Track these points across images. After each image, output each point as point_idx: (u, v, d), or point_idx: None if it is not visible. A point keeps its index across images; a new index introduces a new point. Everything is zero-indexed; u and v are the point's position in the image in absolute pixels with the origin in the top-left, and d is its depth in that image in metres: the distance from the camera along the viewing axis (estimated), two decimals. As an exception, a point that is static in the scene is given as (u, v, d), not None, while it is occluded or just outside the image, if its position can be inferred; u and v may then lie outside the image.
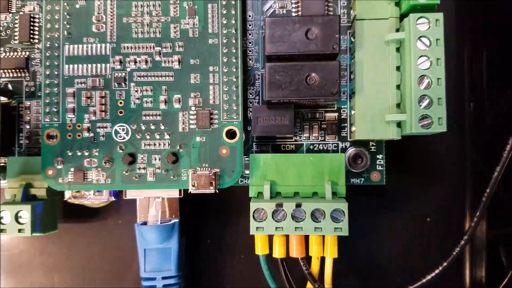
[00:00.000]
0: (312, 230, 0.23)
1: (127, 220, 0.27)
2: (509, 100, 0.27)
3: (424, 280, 0.23)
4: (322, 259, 0.24)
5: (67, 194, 0.24)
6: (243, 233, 0.27)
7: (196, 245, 0.27)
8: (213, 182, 0.23)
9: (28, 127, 0.26)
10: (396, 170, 0.27)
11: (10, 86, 0.27)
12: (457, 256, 0.23)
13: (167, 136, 0.23)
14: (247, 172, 0.25)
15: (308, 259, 0.24)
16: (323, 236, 0.24)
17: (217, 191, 0.23)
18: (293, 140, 0.26)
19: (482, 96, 0.27)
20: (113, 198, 0.24)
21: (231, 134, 0.23)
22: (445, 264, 0.23)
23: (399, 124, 0.23)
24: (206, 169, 0.23)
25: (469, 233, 0.23)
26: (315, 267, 0.24)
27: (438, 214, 0.27)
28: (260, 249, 0.24)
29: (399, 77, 0.23)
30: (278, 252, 0.24)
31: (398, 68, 0.23)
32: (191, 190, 0.23)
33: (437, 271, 0.23)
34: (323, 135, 0.26)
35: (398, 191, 0.27)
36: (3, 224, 0.23)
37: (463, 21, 0.27)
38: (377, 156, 0.25)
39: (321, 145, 0.26)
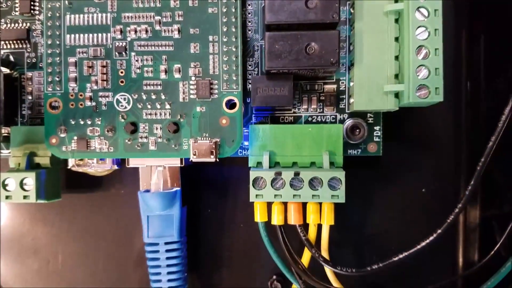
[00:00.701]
0: (310, 198, 0.23)
1: (130, 190, 0.27)
2: (505, 79, 0.27)
3: (418, 247, 0.24)
4: (319, 227, 0.25)
5: (71, 163, 0.24)
6: (242, 203, 0.28)
7: (197, 214, 0.28)
8: (214, 151, 0.23)
9: (30, 98, 0.27)
10: (392, 141, 0.27)
11: (11, 57, 0.27)
12: (451, 223, 0.24)
13: (167, 106, 0.23)
14: (246, 143, 0.26)
15: (305, 226, 0.25)
16: (320, 204, 0.25)
17: (218, 160, 0.23)
18: (292, 112, 0.26)
19: (479, 75, 0.28)
20: (116, 167, 0.25)
21: (230, 105, 0.24)
22: (439, 231, 0.24)
23: (397, 95, 0.24)
24: (207, 138, 0.23)
25: (463, 202, 0.24)
26: (312, 234, 0.25)
27: (433, 185, 0.28)
28: (259, 216, 0.25)
29: (397, 48, 0.23)
30: (277, 220, 0.25)
31: (396, 39, 0.23)
32: (192, 158, 0.23)
33: (431, 238, 0.24)
34: (321, 107, 0.26)
35: (394, 162, 0.27)
36: (8, 191, 0.24)
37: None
38: (375, 128, 0.26)
39: (319, 117, 0.26)
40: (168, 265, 0.25)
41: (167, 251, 0.25)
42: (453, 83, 0.27)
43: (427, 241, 0.24)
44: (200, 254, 0.28)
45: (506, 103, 0.23)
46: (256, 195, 0.23)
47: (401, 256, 0.24)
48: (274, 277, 0.28)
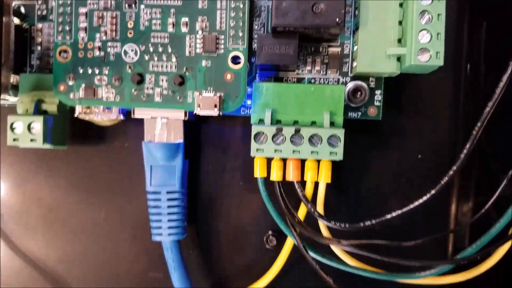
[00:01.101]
0: (309, 154, 0.24)
1: (133, 143, 0.28)
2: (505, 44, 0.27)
3: (411, 206, 0.25)
4: (316, 186, 0.26)
5: (78, 110, 0.25)
6: (242, 163, 0.29)
7: (197, 170, 0.28)
8: (217, 105, 0.24)
9: (39, 48, 0.27)
10: (392, 108, 0.28)
11: (22, 9, 0.27)
12: (445, 185, 0.25)
13: (174, 59, 0.24)
14: (249, 102, 0.26)
15: (303, 184, 0.26)
16: (318, 163, 0.26)
17: (221, 114, 0.24)
18: (295, 73, 0.27)
19: (479, 45, 0.28)
20: (121, 117, 0.25)
21: (235, 62, 0.24)
22: (433, 191, 0.24)
23: (399, 59, 0.24)
24: (211, 92, 0.24)
25: (458, 164, 0.24)
26: (309, 191, 0.26)
27: (429, 152, 0.28)
28: (259, 172, 0.26)
29: (401, 13, 0.24)
30: (276, 176, 0.26)
31: (401, 5, 0.24)
32: (196, 111, 0.24)
33: (424, 198, 0.25)
34: (325, 69, 0.26)
35: (392, 128, 0.28)
36: (15, 134, 0.25)
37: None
38: (376, 92, 0.26)
39: (322, 79, 0.26)
40: (168, 213, 0.26)
41: (169, 200, 0.26)
42: (453, 50, 0.27)
43: (420, 201, 0.25)
44: (199, 209, 0.29)
45: (505, 70, 0.23)
46: (257, 150, 0.24)
47: (394, 214, 0.25)
48: (270, 232, 0.29)
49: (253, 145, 0.24)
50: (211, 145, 0.29)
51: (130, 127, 0.28)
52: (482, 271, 0.26)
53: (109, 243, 0.29)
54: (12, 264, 0.30)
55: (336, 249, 0.26)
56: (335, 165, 0.26)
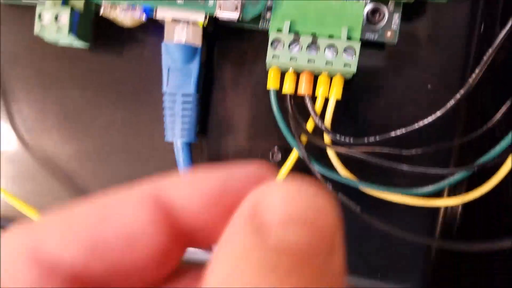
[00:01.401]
0: (323, 64, 0.25)
1: (153, 48, 0.29)
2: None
3: (416, 126, 0.26)
4: (326, 102, 0.27)
5: (103, 8, 0.26)
6: (256, 80, 0.29)
7: (211, 81, 0.29)
8: (238, 7, 0.24)
9: None
10: (407, 34, 0.28)
11: None
12: (451, 109, 0.25)
13: (200, -41, 0.24)
14: (268, 16, 0.27)
15: (314, 100, 0.27)
16: (331, 80, 0.26)
17: (241, 19, 0.25)
18: (317, -11, 0.27)
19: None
20: (144, 17, 0.26)
21: (260, -33, 0.25)
22: (438, 113, 0.25)
23: (420, -21, 0.24)
24: (233, -5, 0.25)
25: (466, 89, 0.25)
26: (319, 107, 0.27)
27: (439, 83, 0.29)
28: (272, 83, 0.27)
29: None
30: (288, 88, 0.26)
31: None
32: (217, 13, 0.24)
33: (430, 119, 0.25)
34: (346, -13, 0.27)
35: (405, 54, 0.29)
36: (42, 24, 0.25)
37: None
38: (394, 15, 0.27)
39: (342, -2, 0.27)
40: (182, 116, 0.27)
41: (183, 102, 0.27)
42: None
43: (426, 121, 0.26)
44: (209, 119, 0.30)
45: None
46: (273, 56, 0.25)
47: (398, 132, 0.26)
48: (276, 146, 0.30)
49: (270, 51, 0.25)
50: (227, 58, 0.29)
51: (150, 33, 0.29)
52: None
53: (123, 143, 0.30)
54: (22, 158, 0.31)
55: (335, 159, 0.27)
56: (346, 85, 0.27)
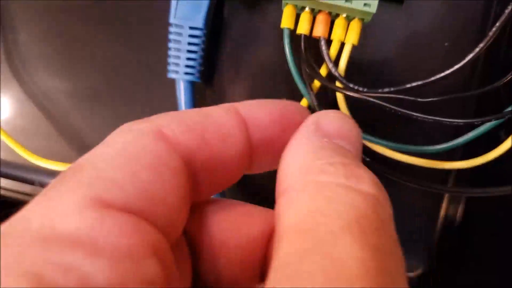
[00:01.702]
0: (343, 1, 0.23)
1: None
2: None
3: (432, 78, 0.25)
4: (342, 47, 0.25)
5: None
6: (270, 22, 0.28)
7: (221, 26, 0.28)
8: None
9: None
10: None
11: None
12: (469, 63, 0.24)
13: None
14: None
15: (329, 43, 0.25)
16: (348, 24, 0.25)
17: None
18: None
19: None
20: None
21: None
22: (456, 66, 0.24)
23: None
24: None
25: (486, 41, 0.24)
26: (334, 50, 0.25)
27: (457, 41, 0.28)
28: (286, 22, 0.25)
29: None
30: (303, 28, 0.25)
31: None
32: None
33: (447, 72, 0.24)
34: None
35: (424, 9, 0.27)
36: None
37: None
38: (417, -36, 0.26)
39: None
40: (188, 51, 0.25)
41: (190, 36, 0.25)
42: None
43: (442, 74, 0.24)
44: (217, 63, 0.28)
45: None
46: (290, -10, 0.24)
47: (414, 84, 0.25)
48: (284, 99, 0.28)
49: (287, -16, 0.23)
50: (239, 4, 0.28)
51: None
52: None
53: (123, 79, 0.28)
54: (18, 95, 0.29)
55: (345, 109, 0.26)
56: (362, 35, 0.25)
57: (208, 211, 0.14)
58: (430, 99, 0.24)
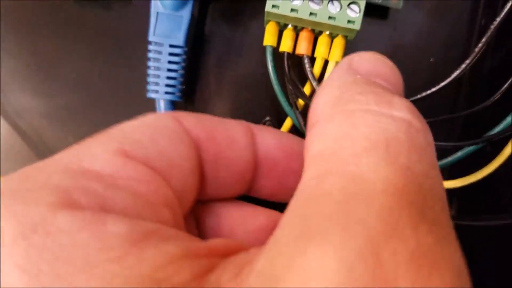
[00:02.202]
0: (326, 18, 0.23)
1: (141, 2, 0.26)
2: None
3: (418, 96, 0.24)
4: (325, 65, 0.25)
5: None
6: (252, 39, 0.27)
7: (202, 40, 0.27)
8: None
9: None
10: (411, 4, 0.27)
11: None
12: (455, 80, 0.24)
13: None
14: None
15: (312, 61, 0.25)
16: (331, 41, 0.25)
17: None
18: None
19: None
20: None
21: None
22: (442, 84, 0.24)
23: None
24: None
25: (472, 58, 0.24)
26: (317, 68, 0.25)
27: (442, 56, 0.27)
28: (269, 39, 0.25)
29: None
30: (286, 45, 0.24)
31: None
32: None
33: (433, 89, 0.24)
34: None
35: (408, 24, 0.27)
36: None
37: None
38: (400, -21, 0.25)
39: (348, -43, 0.25)
40: (168, 70, 0.24)
41: (170, 54, 0.24)
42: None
43: (428, 91, 0.24)
44: (198, 81, 0.27)
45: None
46: (273, 6, 0.23)
47: (401, 100, 0.24)
48: (268, 118, 0.28)
49: (269, 0, 0.23)
50: (222, 17, 0.27)
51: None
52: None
53: (99, 99, 0.27)
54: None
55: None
56: (346, 49, 0.25)
57: (218, 205, 0.15)
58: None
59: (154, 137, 0.13)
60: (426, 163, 0.09)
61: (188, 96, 0.27)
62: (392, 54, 0.27)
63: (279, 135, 0.16)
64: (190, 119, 0.14)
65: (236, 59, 0.27)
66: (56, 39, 0.27)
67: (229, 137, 0.14)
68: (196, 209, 0.15)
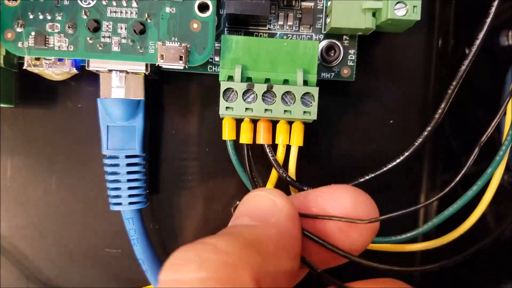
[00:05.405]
0: (281, 113, 0.22)
1: (88, 102, 0.25)
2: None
3: (384, 169, 0.24)
4: (288, 149, 0.24)
5: (26, 61, 0.22)
6: (208, 126, 0.27)
7: (159, 133, 0.26)
8: (183, 57, 0.22)
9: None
10: (365, 69, 0.27)
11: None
12: (418, 147, 0.24)
13: (134, 4, 0.22)
14: (217, 59, 0.25)
15: (274, 147, 0.25)
16: (290, 126, 0.24)
17: (186, 67, 0.22)
18: (267, 28, 0.25)
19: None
20: (75, 70, 0.23)
21: (203, 10, 0.22)
22: (406, 154, 0.24)
23: (374, 15, 0.23)
24: (176, 42, 0.22)
25: (432, 125, 0.24)
26: (280, 155, 0.24)
27: (401, 117, 0.28)
28: (228, 134, 0.24)
29: (378, -32, 0.23)
30: (245, 138, 0.24)
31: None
32: (159, 62, 0.22)
33: (398, 161, 0.24)
34: (297, 25, 0.25)
35: (365, 90, 0.27)
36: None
37: None
38: (349, 51, 0.25)
39: (295, 36, 0.25)
40: (128, 180, 0.23)
41: (128, 165, 0.23)
42: (427, 12, 0.27)
43: (394, 163, 0.24)
44: (161, 176, 0.27)
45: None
46: (226, 108, 0.22)
47: (367, 177, 0.24)
48: (237, 202, 0.27)
49: (222, 103, 0.22)
50: (175, 106, 0.26)
51: (84, 84, 0.25)
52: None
53: (60, 214, 0.26)
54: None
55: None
56: (307, 128, 0.24)
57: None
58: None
59: None
60: None
61: (154, 198, 0.27)
62: (351, 120, 0.27)
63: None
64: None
65: (197, 147, 0.27)
66: (5, 154, 0.26)
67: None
68: None
